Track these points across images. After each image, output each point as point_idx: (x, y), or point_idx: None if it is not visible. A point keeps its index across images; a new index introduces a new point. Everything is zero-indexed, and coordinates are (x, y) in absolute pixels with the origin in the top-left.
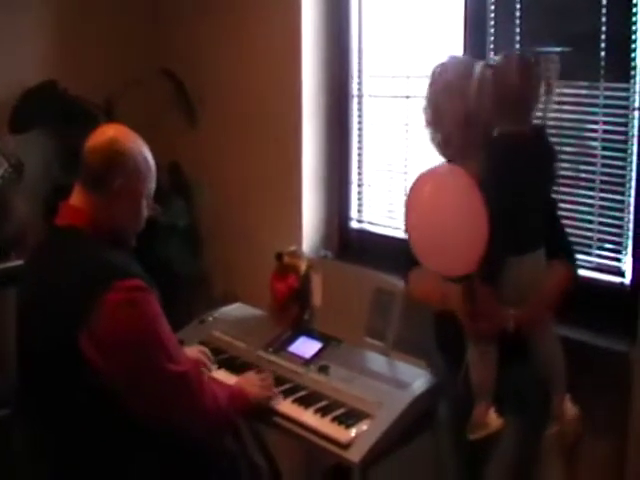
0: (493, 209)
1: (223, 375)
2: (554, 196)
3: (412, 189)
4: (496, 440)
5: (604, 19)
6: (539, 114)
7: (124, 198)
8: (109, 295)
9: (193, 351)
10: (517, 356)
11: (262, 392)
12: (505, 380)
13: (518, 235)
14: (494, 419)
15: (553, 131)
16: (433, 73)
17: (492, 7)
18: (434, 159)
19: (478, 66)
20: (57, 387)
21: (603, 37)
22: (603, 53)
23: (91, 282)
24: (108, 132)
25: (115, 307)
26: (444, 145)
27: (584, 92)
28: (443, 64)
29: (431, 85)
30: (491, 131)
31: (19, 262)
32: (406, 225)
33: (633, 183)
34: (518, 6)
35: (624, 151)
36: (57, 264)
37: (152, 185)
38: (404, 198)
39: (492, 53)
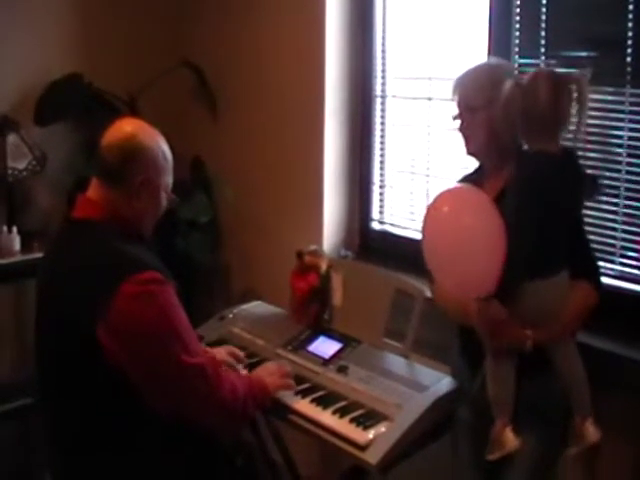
0: (518, 230)
1: (244, 373)
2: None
3: (430, 208)
4: (513, 458)
5: (631, 24)
6: (570, 135)
7: (144, 193)
8: (124, 287)
9: (220, 352)
10: (537, 372)
11: (281, 382)
12: (524, 397)
13: (542, 258)
14: (510, 439)
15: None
16: (455, 88)
17: (517, 10)
18: (456, 161)
19: (508, 84)
20: (75, 377)
21: (630, 42)
22: (629, 58)
23: (107, 274)
24: (126, 127)
25: (131, 299)
26: (474, 152)
27: (610, 97)
28: (463, 78)
29: (456, 101)
30: (520, 146)
31: (41, 254)
32: (424, 244)
33: None
34: (544, 9)
35: None
36: (73, 256)
37: (170, 178)
38: (425, 201)
39: (517, 56)
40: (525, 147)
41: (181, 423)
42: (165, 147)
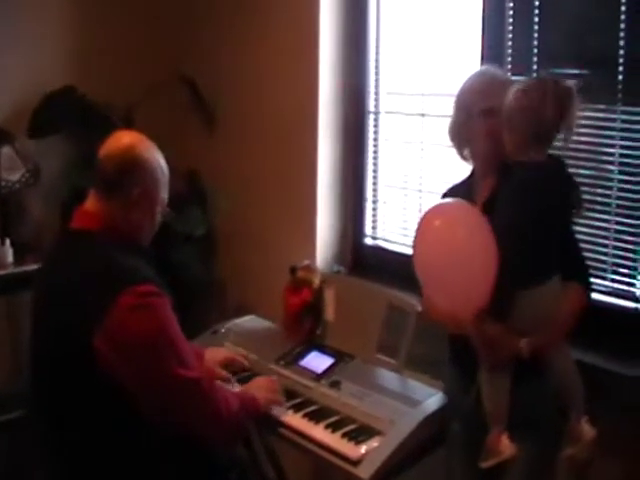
0: (509, 239)
1: (236, 388)
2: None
3: (421, 223)
4: (508, 465)
5: (622, 41)
6: (558, 143)
7: (141, 205)
8: (122, 299)
9: (220, 352)
10: (531, 378)
11: (272, 397)
12: (518, 404)
13: (536, 265)
14: (507, 446)
15: (570, 153)
16: (468, 88)
17: (509, 27)
18: (448, 177)
19: (513, 89)
20: (71, 387)
21: (621, 59)
22: (621, 75)
23: (105, 285)
24: (123, 140)
25: (128, 311)
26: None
27: (601, 115)
28: (484, 79)
29: (472, 102)
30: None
31: (35, 266)
32: (415, 258)
33: None
34: (536, 27)
35: None
36: (71, 267)
37: (166, 192)
38: (418, 216)
39: (509, 74)
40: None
41: (177, 435)
42: (162, 160)
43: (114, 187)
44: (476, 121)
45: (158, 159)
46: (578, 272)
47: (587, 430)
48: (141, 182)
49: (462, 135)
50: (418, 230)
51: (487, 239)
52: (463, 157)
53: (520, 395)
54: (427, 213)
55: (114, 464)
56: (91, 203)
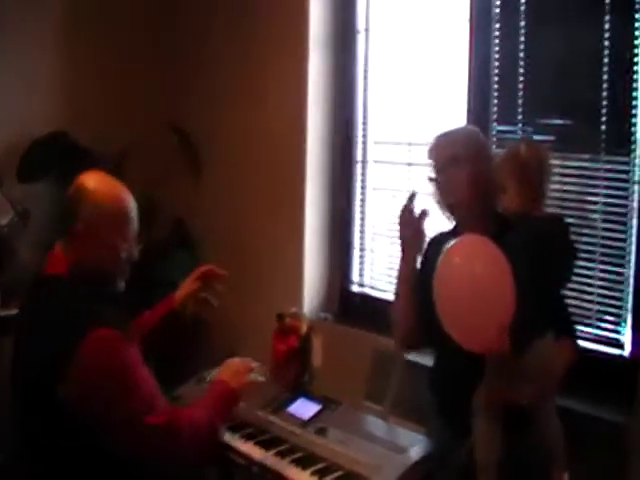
0: (524, 290)
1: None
2: None
3: (442, 260)
4: None
5: (605, 92)
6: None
7: (87, 242)
8: (84, 346)
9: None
10: (519, 431)
11: (247, 380)
12: (508, 455)
13: (541, 318)
14: None
15: (554, 202)
16: (439, 144)
17: (495, 78)
18: (432, 227)
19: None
20: (44, 433)
21: (604, 110)
22: (604, 126)
23: (65, 332)
24: (80, 178)
25: (89, 357)
26: (458, 211)
27: (585, 164)
28: (448, 134)
29: (439, 155)
30: (496, 204)
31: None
32: (436, 298)
33: (633, 256)
34: (521, 78)
35: (624, 224)
36: (39, 313)
37: (128, 228)
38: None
39: (495, 123)
40: (500, 210)
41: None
42: (122, 199)
43: (63, 225)
44: (457, 168)
45: (110, 195)
46: (568, 329)
47: None
48: (81, 217)
49: (444, 185)
50: (439, 266)
51: (507, 275)
52: (447, 215)
53: (512, 446)
54: (448, 249)
55: None
56: (58, 247)
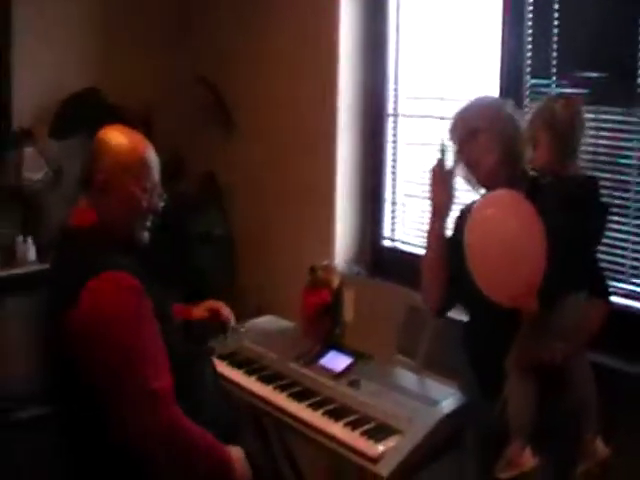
0: (557, 247)
1: (256, 385)
2: None
3: (475, 212)
4: (526, 477)
5: None
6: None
7: (109, 194)
8: (91, 282)
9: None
10: (551, 391)
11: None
12: (541, 417)
13: (574, 274)
14: (529, 459)
15: (587, 157)
16: (456, 122)
17: (529, 31)
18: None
19: (541, 102)
20: (62, 394)
21: (639, 63)
22: (639, 79)
23: (78, 276)
24: (101, 132)
25: (96, 294)
26: (484, 180)
27: (620, 118)
28: (463, 110)
29: (458, 132)
30: (525, 172)
31: None
32: (467, 248)
33: None
34: (555, 30)
35: None
36: (59, 264)
37: (147, 179)
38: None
39: (529, 77)
40: (532, 172)
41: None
42: (141, 150)
43: (85, 178)
44: (476, 140)
45: (129, 146)
46: (602, 290)
47: (601, 449)
48: (102, 169)
49: (469, 162)
50: (471, 219)
51: (539, 229)
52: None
53: (544, 407)
54: (480, 202)
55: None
56: (83, 200)
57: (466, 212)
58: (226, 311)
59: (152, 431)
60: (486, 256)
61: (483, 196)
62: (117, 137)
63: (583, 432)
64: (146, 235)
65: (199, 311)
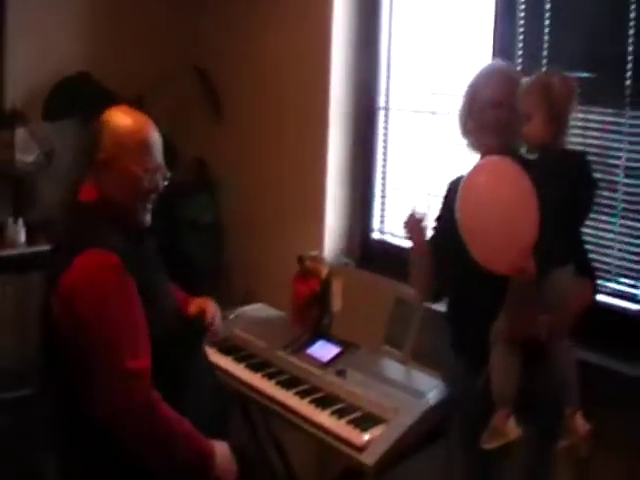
0: (546, 218)
1: (244, 373)
2: None
3: (468, 178)
4: (509, 450)
5: (631, 47)
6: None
7: (109, 172)
8: (76, 260)
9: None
10: (534, 365)
11: (230, 468)
12: (524, 388)
13: (560, 247)
14: (513, 428)
15: None
16: (487, 84)
17: (520, 29)
18: (456, 174)
19: (537, 77)
20: (53, 373)
21: (629, 64)
22: (629, 80)
23: (71, 250)
24: (105, 112)
25: (76, 272)
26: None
27: (609, 119)
28: (491, 75)
29: (482, 94)
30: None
31: (45, 247)
32: (459, 216)
33: None
34: (546, 30)
35: None
36: (60, 238)
37: (148, 159)
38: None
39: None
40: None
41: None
42: (143, 130)
43: (88, 157)
44: (484, 112)
45: (130, 126)
46: (588, 271)
47: (581, 424)
48: (105, 147)
49: (467, 126)
50: (463, 187)
51: (532, 196)
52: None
53: (526, 380)
54: (472, 170)
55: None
56: (88, 180)
57: (454, 186)
58: (211, 312)
59: (123, 413)
60: (482, 224)
61: (477, 163)
62: (119, 116)
63: (564, 407)
64: (148, 217)
65: (192, 308)
